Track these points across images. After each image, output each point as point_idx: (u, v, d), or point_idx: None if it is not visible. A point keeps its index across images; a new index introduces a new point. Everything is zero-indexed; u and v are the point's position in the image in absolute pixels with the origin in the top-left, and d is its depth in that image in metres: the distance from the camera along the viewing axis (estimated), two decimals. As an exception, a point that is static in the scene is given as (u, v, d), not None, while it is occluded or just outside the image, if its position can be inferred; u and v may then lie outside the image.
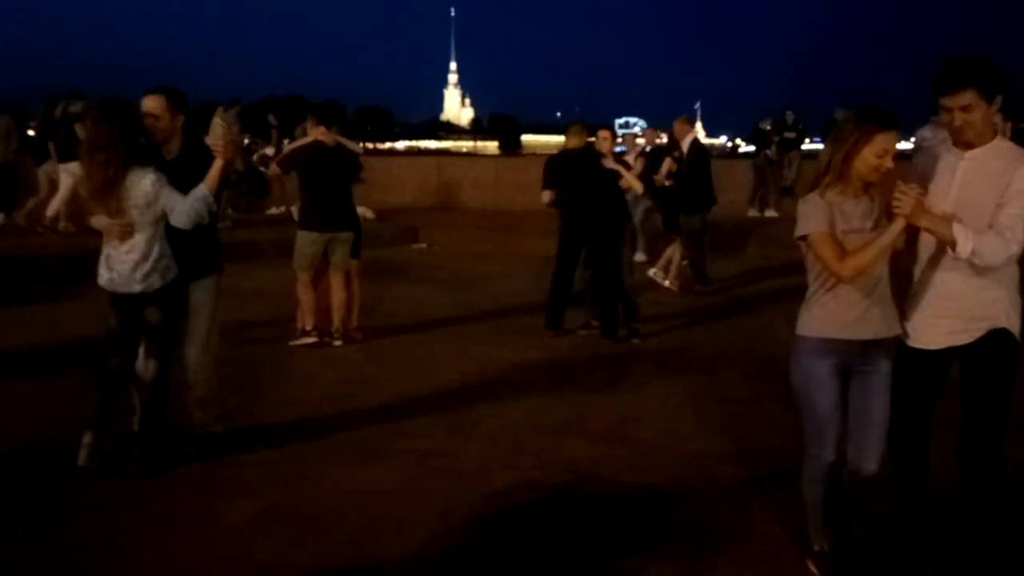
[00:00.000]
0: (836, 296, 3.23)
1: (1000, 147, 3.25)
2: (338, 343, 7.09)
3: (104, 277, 4.51)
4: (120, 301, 4.50)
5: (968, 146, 3.25)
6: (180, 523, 3.98)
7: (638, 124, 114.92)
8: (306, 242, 6.99)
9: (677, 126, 10.11)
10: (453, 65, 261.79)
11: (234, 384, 5.90)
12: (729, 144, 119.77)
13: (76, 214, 4.49)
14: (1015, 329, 3.27)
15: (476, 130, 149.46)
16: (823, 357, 3.26)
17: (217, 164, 4.47)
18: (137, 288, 4.42)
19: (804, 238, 3.23)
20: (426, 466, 4.69)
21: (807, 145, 18.48)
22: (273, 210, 14.95)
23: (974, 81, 3.13)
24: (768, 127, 16.21)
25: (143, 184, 4.32)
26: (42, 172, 12.30)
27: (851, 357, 3.25)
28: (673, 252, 9.82)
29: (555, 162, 7.96)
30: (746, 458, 4.78)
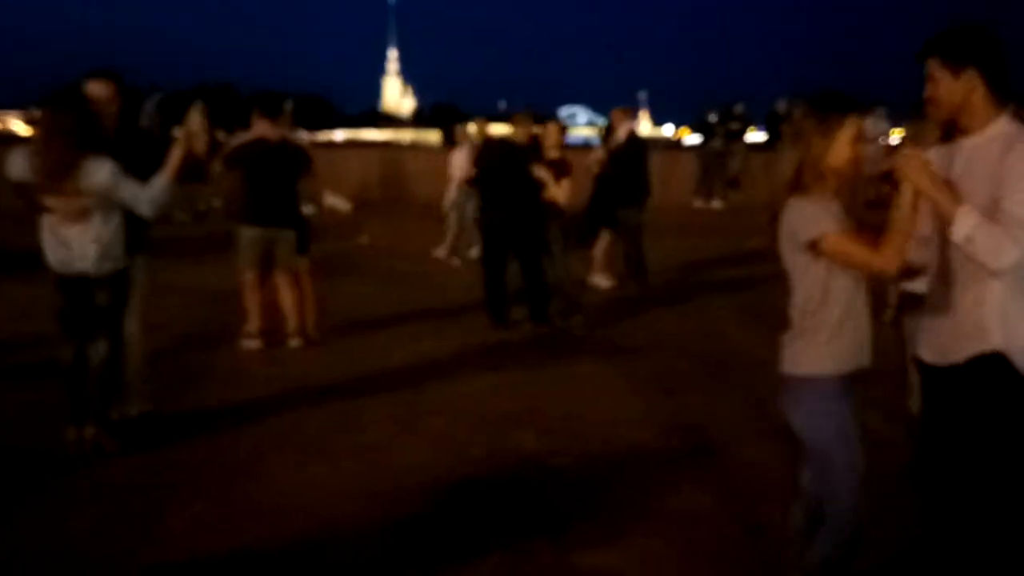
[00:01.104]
0: (850, 316, 2.80)
1: (1000, 131, 2.69)
2: (295, 343, 6.84)
3: (54, 256, 4.50)
4: (68, 283, 4.52)
5: (962, 132, 2.78)
6: (126, 522, 3.92)
7: (583, 114, 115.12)
8: (247, 238, 6.77)
9: (615, 115, 9.97)
10: (393, 53, 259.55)
11: (176, 382, 5.81)
12: (675, 134, 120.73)
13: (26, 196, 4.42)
14: None
15: (418, 120, 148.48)
16: (847, 393, 2.86)
17: (177, 153, 4.52)
18: (89, 269, 4.45)
19: (815, 245, 2.73)
20: (373, 461, 4.66)
21: (751, 136, 18.77)
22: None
23: (937, 49, 2.73)
24: (715, 119, 16.38)
25: (100, 173, 4.35)
26: None
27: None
28: (600, 248, 9.67)
29: (489, 148, 8.22)
30: (692, 446, 4.85)
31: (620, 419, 5.31)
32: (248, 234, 6.76)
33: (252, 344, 6.78)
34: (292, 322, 6.89)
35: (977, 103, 2.68)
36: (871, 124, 13.86)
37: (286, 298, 6.87)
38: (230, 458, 4.66)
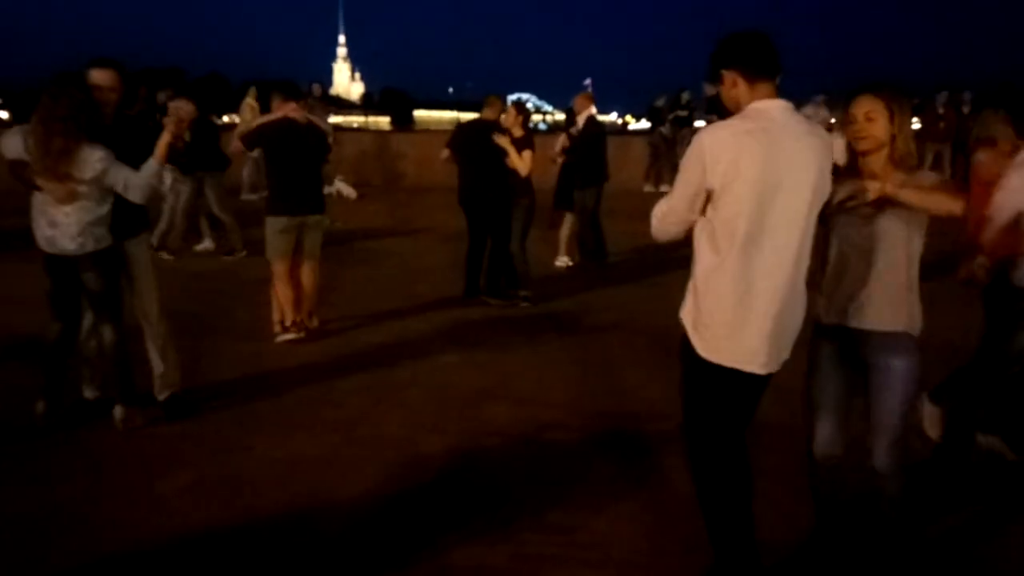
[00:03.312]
0: None
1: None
2: (291, 337, 6.58)
3: (42, 235, 4.61)
4: (54, 262, 4.63)
5: None
6: (114, 495, 4.04)
7: (530, 100, 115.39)
8: (276, 228, 6.47)
9: (578, 101, 10.27)
10: (342, 38, 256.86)
11: (146, 363, 5.90)
12: (620, 120, 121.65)
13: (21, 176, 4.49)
14: None
15: (367, 105, 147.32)
16: None
17: (165, 139, 4.64)
18: (71, 248, 4.55)
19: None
20: (352, 434, 4.83)
21: (699, 123, 19.09)
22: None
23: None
24: (662, 105, 16.69)
25: (92, 160, 4.46)
26: None
27: None
28: (565, 229, 10.00)
29: (463, 129, 8.55)
30: (656, 417, 5.09)
31: (585, 392, 5.56)
32: (278, 224, 6.48)
33: (287, 337, 6.55)
34: (304, 312, 6.72)
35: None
36: (811, 111, 14.30)
37: (308, 286, 6.69)
38: (211, 433, 4.80)
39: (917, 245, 3.15)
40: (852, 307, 3.18)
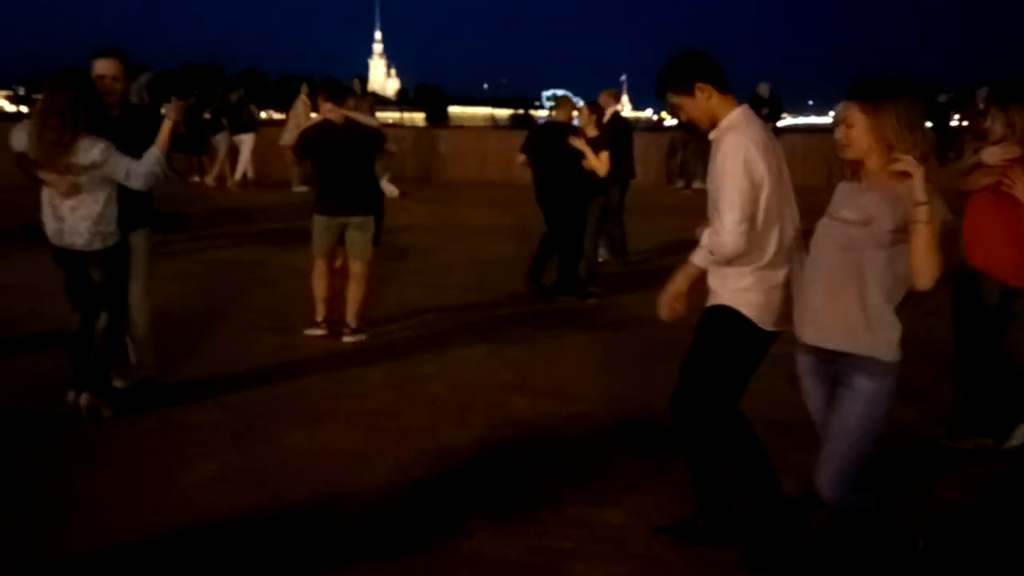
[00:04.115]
0: None
1: (723, 124, 3.33)
2: (348, 339, 6.51)
3: (50, 228, 4.70)
4: (62, 256, 4.72)
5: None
6: (142, 482, 4.12)
7: (565, 97, 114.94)
8: (319, 227, 6.55)
9: (602, 98, 10.24)
10: (378, 35, 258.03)
11: (183, 353, 6.03)
12: (655, 117, 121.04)
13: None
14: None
15: (402, 101, 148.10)
16: None
17: (167, 127, 4.72)
18: (78, 243, 4.62)
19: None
20: (375, 426, 4.88)
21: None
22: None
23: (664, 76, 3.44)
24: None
25: (92, 152, 4.50)
26: (217, 141, 15.48)
27: None
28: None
29: (536, 132, 8.89)
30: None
31: (607, 387, 5.56)
32: (320, 223, 6.56)
33: (315, 332, 6.58)
34: (350, 314, 6.59)
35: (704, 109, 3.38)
36: (842, 109, 14.11)
37: (352, 288, 6.60)
38: (236, 423, 4.87)
39: (893, 269, 2.91)
40: (814, 321, 3.06)
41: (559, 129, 8.21)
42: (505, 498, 4.03)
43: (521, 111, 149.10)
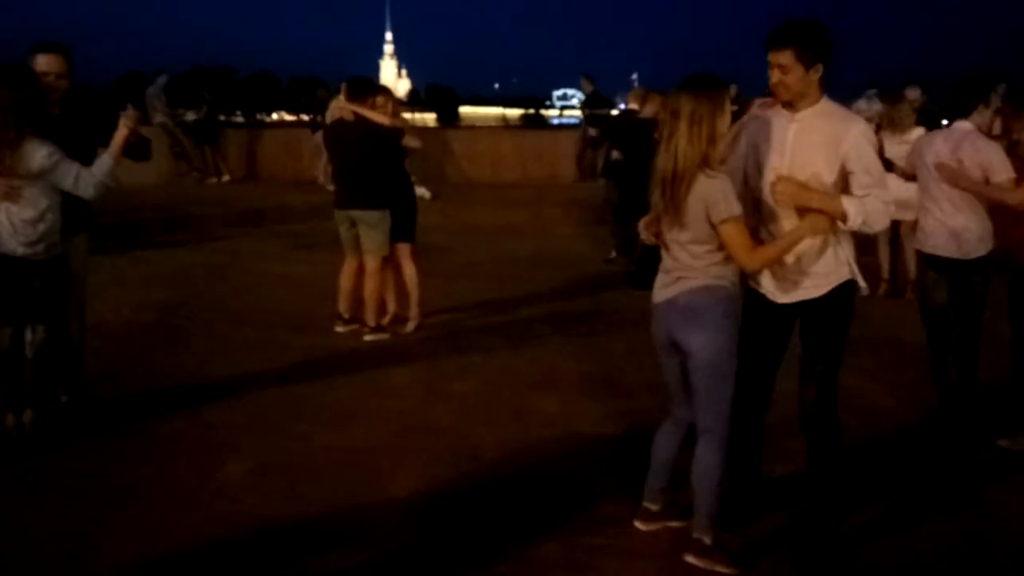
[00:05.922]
0: None
1: (826, 108, 3.35)
2: (368, 337, 6.56)
3: None
4: (2, 262, 4.34)
5: (790, 106, 3.38)
6: (176, 481, 4.17)
7: (575, 96, 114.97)
8: (337, 221, 6.68)
9: (631, 98, 10.22)
10: (388, 35, 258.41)
11: (207, 354, 6.07)
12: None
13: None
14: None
15: (413, 102, 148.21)
16: None
17: (121, 134, 4.45)
18: (20, 251, 4.31)
19: (724, 223, 3.24)
20: (405, 425, 4.91)
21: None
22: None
23: (794, 42, 3.25)
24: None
25: (37, 155, 4.24)
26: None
27: None
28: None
29: (616, 121, 9.79)
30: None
31: (636, 385, 5.56)
32: (336, 217, 6.69)
33: (338, 328, 6.68)
34: (369, 313, 6.64)
35: (810, 87, 3.33)
36: (864, 105, 14.06)
37: (367, 285, 6.62)
38: (266, 423, 4.91)
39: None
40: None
41: (636, 119, 8.85)
42: (535, 497, 4.05)
43: (532, 111, 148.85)
